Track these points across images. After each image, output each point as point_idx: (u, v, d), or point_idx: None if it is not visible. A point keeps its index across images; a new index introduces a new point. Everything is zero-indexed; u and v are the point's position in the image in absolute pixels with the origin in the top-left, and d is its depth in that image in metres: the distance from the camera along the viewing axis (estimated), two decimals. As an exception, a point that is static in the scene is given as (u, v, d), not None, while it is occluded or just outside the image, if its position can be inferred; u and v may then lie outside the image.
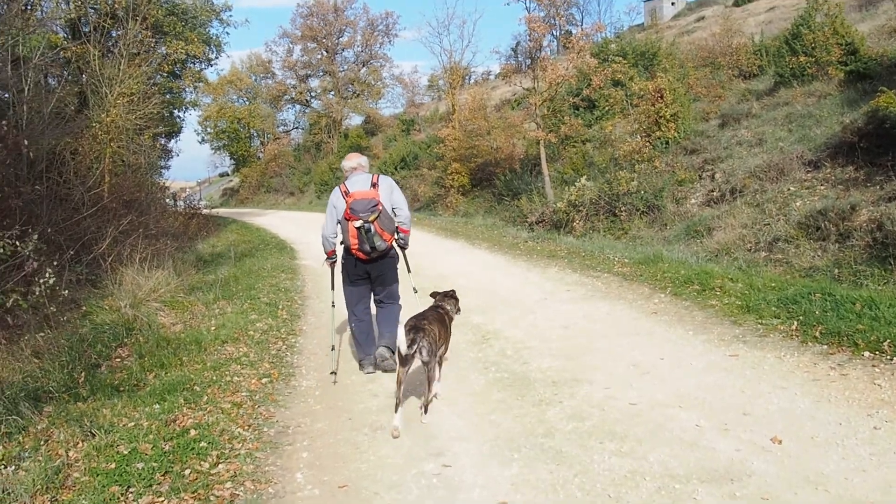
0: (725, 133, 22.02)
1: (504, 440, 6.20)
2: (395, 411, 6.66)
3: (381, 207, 8.12)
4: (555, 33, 49.60)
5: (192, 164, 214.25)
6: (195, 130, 78.80)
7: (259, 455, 6.11)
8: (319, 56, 66.92)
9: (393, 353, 8.47)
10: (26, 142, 11.52)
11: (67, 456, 5.80)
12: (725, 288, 10.80)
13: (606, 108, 28.89)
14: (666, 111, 22.78)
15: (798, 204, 15.33)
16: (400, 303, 8.91)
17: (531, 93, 25.45)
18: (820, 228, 13.76)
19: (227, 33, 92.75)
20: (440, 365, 7.50)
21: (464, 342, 9.36)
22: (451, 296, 8.06)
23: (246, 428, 6.68)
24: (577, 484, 5.32)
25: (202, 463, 5.79)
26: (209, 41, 34.22)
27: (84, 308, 10.89)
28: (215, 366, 8.57)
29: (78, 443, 6.08)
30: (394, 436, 6.52)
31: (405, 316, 7.60)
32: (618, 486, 5.24)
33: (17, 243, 8.48)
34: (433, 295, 8.13)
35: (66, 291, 9.83)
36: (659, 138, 22.79)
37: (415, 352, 6.66)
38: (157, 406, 7.01)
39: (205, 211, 34.34)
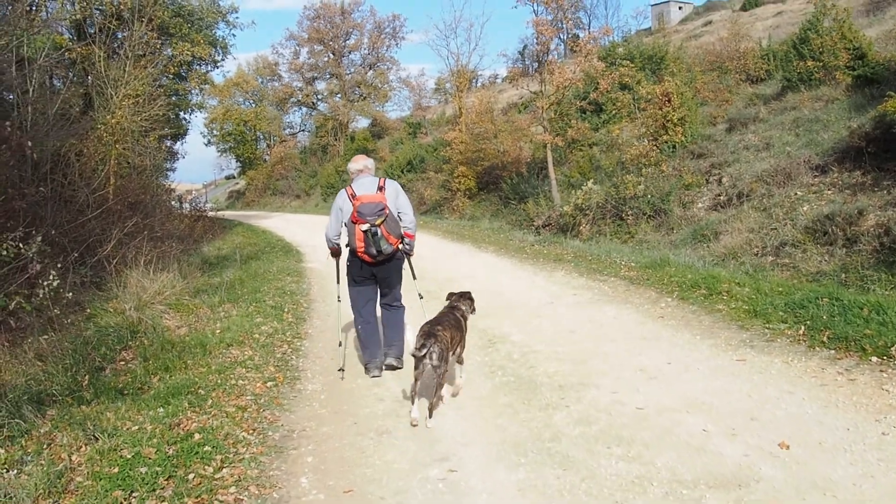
0: (733, 137, 21.96)
1: (510, 445, 6.15)
2: (412, 403, 6.92)
3: (387, 211, 8.14)
4: (562, 37, 49.57)
5: (198, 166, 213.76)
6: (201, 133, 79.13)
7: (264, 459, 6.07)
8: (326, 58, 67.03)
9: (400, 361, 8.67)
10: (30, 143, 11.50)
11: (70, 460, 5.77)
12: (732, 292, 10.77)
13: (613, 112, 28.82)
14: (673, 115, 22.71)
15: (805, 208, 15.27)
16: (403, 303, 8.93)
17: (538, 96, 25.39)
18: (827, 233, 13.70)
19: (234, 35, 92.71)
20: (461, 363, 7.74)
21: (470, 346, 9.24)
22: (466, 296, 8.18)
23: (250, 432, 6.64)
24: (584, 489, 5.28)
25: (206, 467, 5.75)
26: (215, 43, 34.24)
27: (88, 310, 10.84)
28: (220, 369, 8.54)
29: (81, 446, 6.04)
30: (413, 424, 6.77)
31: (412, 319, 7.59)
32: (625, 492, 5.20)
33: (21, 245, 8.45)
34: (449, 295, 8.24)
35: (70, 294, 9.83)
36: (666, 142, 22.73)
37: (425, 355, 6.77)
38: (162, 410, 6.97)
39: (210, 213, 34.41)
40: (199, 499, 5.29)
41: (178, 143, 37.19)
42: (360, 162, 8.69)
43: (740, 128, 22.46)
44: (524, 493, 5.30)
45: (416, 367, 6.89)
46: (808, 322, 8.76)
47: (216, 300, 12.60)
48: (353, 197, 8.20)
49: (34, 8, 17.63)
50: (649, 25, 74.04)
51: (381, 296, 8.84)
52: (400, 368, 8.62)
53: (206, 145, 76.92)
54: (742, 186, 17.90)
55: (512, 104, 44.88)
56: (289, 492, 5.55)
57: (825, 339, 8.19)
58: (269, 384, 8.17)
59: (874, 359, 7.45)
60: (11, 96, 14.04)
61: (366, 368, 8.69)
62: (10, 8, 14.13)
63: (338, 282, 9.24)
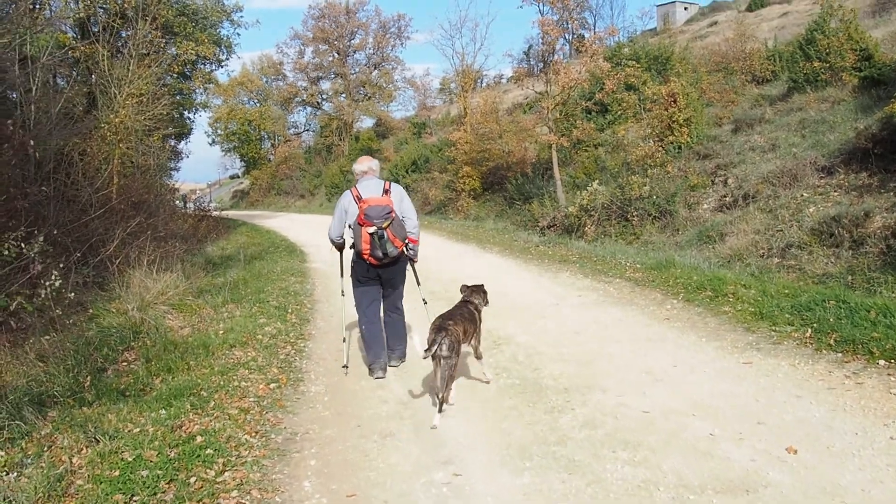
0: (738, 138, 21.93)
1: (515, 448, 6.10)
2: (438, 407, 6.98)
3: (394, 215, 8.21)
4: (567, 37, 49.53)
5: (202, 165, 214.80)
6: (206, 132, 79.10)
7: (266, 463, 6.02)
8: (331, 58, 67.03)
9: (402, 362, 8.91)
10: (32, 142, 11.46)
11: (71, 462, 5.72)
12: (738, 294, 10.72)
13: (619, 113, 28.88)
14: (679, 116, 22.70)
15: (811, 210, 15.25)
16: (405, 305, 9.06)
17: (543, 96, 25.36)
18: (833, 235, 13.67)
19: (238, 34, 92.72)
20: (479, 359, 7.95)
21: (474, 347, 9.31)
22: (479, 289, 8.30)
23: (253, 434, 6.59)
24: (590, 493, 5.24)
25: (208, 471, 5.70)
26: (220, 42, 34.21)
27: (90, 311, 10.80)
28: (223, 370, 8.49)
29: (82, 449, 5.99)
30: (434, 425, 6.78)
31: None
32: (631, 496, 5.15)
33: (23, 245, 8.41)
34: (463, 288, 8.37)
35: (73, 294, 9.79)
36: (672, 143, 22.72)
37: (435, 350, 6.90)
38: (164, 411, 6.92)
39: (215, 213, 34.43)
40: (201, 503, 5.25)
41: (183, 142, 37.26)
42: (364, 164, 8.72)
43: (746, 129, 22.44)
44: (529, 498, 5.25)
45: (433, 359, 7.08)
46: (814, 325, 8.70)
47: (219, 300, 12.57)
48: (358, 199, 8.23)
49: (37, 6, 17.61)
50: (654, 26, 73.90)
51: (384, 297, 8.87)
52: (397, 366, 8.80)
53: (211, 145, 77.07)
54: (748, 188, 17.88)
55: (517, 104, 44.87)
56: (291, 496, 5.50)
57: (832, 341, 8.13)
58: (272, 386, 8.13)
59: (882, 362, 7.38)
60: (14, 95, 14.00)
61: (370, 370, 8.67)
62: (12, 6, 14.08)
63: (341, 275, 9.34)
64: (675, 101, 22.86)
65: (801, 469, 5.35)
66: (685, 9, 73.56)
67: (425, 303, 9.11)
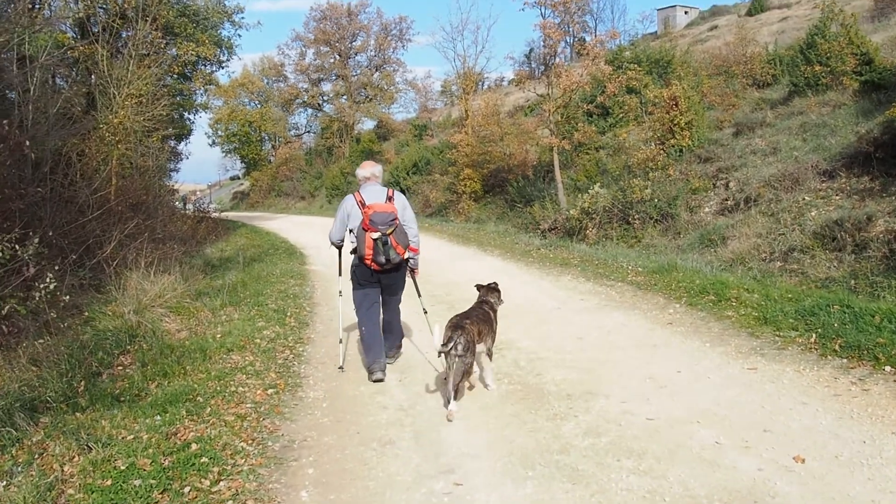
0: (739, 142, 21.95)
1: (518, 457, 6.00)
2: (450, 401, 7.14)
3: (398, 222, 8.34)
4: (568, 40, 49.50)
5: (202, 166, 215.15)
6: (206, 133, 79.26)
7: (262, 472, 5.90)
8: (332, 60, 67.04)
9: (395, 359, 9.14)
10: (28, 142, 11.35)
11: (62, 471, 5.58)
12: (741, 298, 10.67)
13: (620, 116, 28.93)
14: (680, 119, 22.71)
15: (813, 214, 15.21)
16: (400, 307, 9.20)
17: (545, 99, 25.34)
18: (836, 239, 13.63)
19: (239, 35, 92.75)
20: (490, 356, 7.94)
21: (475, 352, 9.24)
22: (494, 288, 8.47)
23: (250, 442, 6.48)
24: (594, 504, 5.13)
25: (203, 480, 5.58)
26: (220, 43, 34.10)
27: (86, 314, 10.70)
28: (220, 375, 8.39)
29: (74, 457, 5.86)
30: (448, 419, 6.97)
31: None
32: (637, 508, 5.05)
33: (17, 247, 8.31)
34: (478, 287, 8.56)
35: (68, 297, 9.68)
36: (673, 146, 22.72)
37: (451, 349, 7.01)
38: (158, 418, 6.82)
39: (214, 214, 34.41)
40: (195, 513, 5.15)
41: (183, 143, 37.14)
42: (367, 169, 8.79)
43: (747, 132, 22.45)
44: (533, 509, 5.14)
45: (446, 362, 7.17)
46: (819, 330, 8.65)
47: (218, 303, 12.48)
48: (362, 204, 8.34)
49: (36, 5, 17.54)
50: (655, 30, 73.96)
51: (382, 302, 8.94)
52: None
53: (211, 146, 76.92)
54: (749, 191, 17.86)
55: (518, 107, 44.88)
56: (288, 506, 5.40)
57: (837, 347, 8.07)
58: (269, 391, 8.02)
59: (888, 368, 7.32)
60: (12, 94, 13.93)
61: (369, 371, 8.63)
62: (11, 5, 14.01)
63: (339, 274, 9.47)
64: (676, 105, 22.86)
65: (809, 479, 5.26)
66: (685, 13, 73.69)
67: (426, 312, 9.27)
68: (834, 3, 23.60)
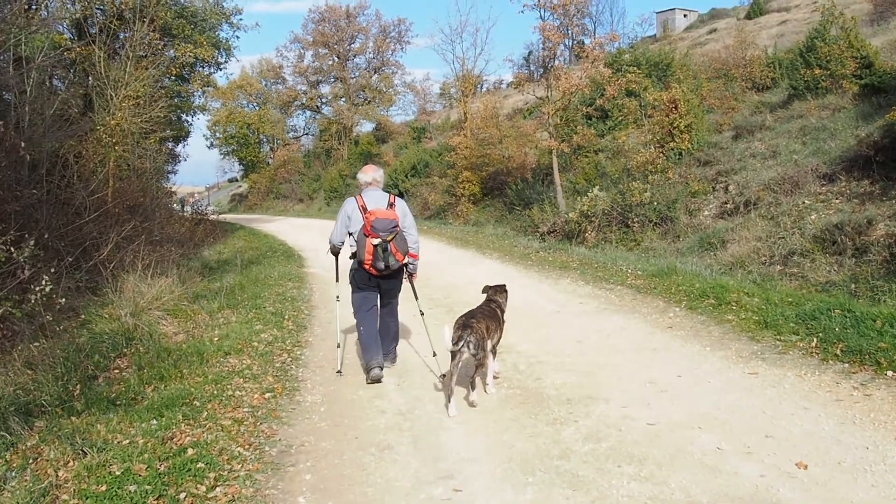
0: (739, 145, 21.92)
1: (518, 462, 5.96)
2: (449, 401, 7.26)
3: (398, 229, 8.44)
4: (568, 43, 49.49)
5: (200, 168, 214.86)
6: (204, 135, 79.08)
7: (259, 477, 5.86)
8: (331, 62, 66.96)
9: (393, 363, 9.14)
10: (23, 144, 11.30)
11: (56, 476, 5.54)
12: (741, 302, 10.63)
13: (620, 119, 28.93)
14: (680, 122, 22.69)
15: (813, 217, 15.16)
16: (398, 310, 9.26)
17: (544, 102, 25.30)
18: (836, 242, 13.58)
19: (238, 37, 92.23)
20: (494, 354, 8.06)
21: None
22: (501, 289, 8.64)
23: (246, 447, 6.43)
24: (595, 512, 5.09)
25: (199, 486, 5.53)
26: (218, 45, 33.98)
27: (83, 316, 10.67)
28: (217, 379, 8.36)
29: (69, 461, 5.82)
30: (451, 415, 7.13)
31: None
32: (638, 515, 5.01)
33: (12, 249, 8.26)
34: (485, 289, 8.69)
35: (64, 299, 9.60)
36: (672, 149, 22.69)
37: (461, 347, 7.12)
38: (155, 422, 6.77)
39: (212, 216, 34.36)
40: (191, 520, 5.10)
41: (180, 145, 37.04)
42: (369, 174, 8.86)
43: (746, 135, 22.44)
44: (533, 516, 5.09)
45: (452, 360, 7.22)
46: (820, 334, 8.61)
47: (215, 306, 12.46)
48: (364, 209, 8.42)
49: (33, 6, 17.49)
50: (654, 33, 73.90)
51: (381, 305, 9.00)
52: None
53: (209, 148, 76.83)
54: (749, 194, 17.82)
55: (517, 109, 44.87)
56: (285, 513, 5.35)
57: (838, 351, 8.03)
58: (267, 395, 7.98)
59: (889, 373, 7.28)
60: (8, 96, 13.88)
61: (367, 370, 8.66)
62: (7, 6, 13.96)
63: (336, 280, 9.52)
64: (675, 108, 22.83)
65: (812, 485, 5.22)
66: (685, 16, 73.59)
67: (422, 314, 9.31)
68: (833, 7, 23.54)
